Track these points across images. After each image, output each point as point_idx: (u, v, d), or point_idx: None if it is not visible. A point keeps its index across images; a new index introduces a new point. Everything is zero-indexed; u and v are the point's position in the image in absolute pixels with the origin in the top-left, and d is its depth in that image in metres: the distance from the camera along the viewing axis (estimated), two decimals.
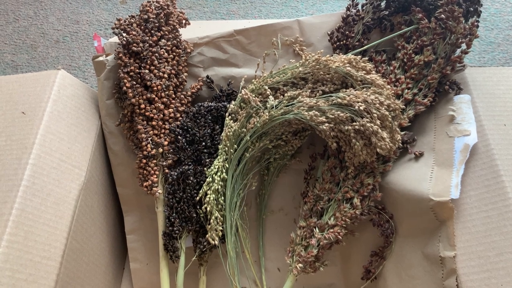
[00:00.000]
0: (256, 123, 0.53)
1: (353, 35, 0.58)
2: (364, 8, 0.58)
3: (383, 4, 0.57)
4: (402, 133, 0.53)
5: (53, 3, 1.08)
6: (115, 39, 0.61)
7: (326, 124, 0.50)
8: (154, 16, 0.58)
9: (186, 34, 0.62)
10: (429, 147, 0.53)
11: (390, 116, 0.49)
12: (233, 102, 0.57)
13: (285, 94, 0.53)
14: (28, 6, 1.08)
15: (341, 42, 0.58)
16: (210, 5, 1.09)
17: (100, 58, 0.59)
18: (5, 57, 1.00)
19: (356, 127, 0.48)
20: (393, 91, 0.53)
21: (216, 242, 0.54)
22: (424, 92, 0.54)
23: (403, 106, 0.53)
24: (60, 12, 1.06)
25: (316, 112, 0.50)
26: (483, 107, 0.52)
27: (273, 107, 0.52)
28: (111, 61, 0.59)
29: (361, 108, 0.48)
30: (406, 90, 0.55)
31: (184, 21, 0.61)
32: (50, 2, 1.08)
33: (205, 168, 0.56)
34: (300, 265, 0.52)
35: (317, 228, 0.53)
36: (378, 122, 0.48)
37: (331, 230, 0.52)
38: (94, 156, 0.58)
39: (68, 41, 1.03)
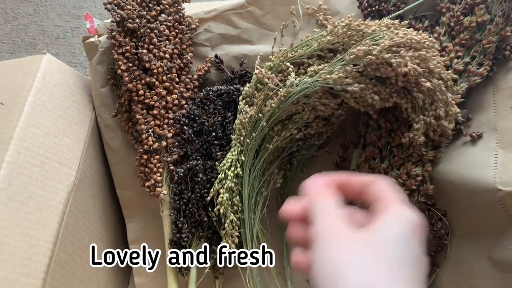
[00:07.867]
0: (272, 104, 0.44)
1: None
2: None
3: None
4: None
5: None
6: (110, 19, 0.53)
7: (356, 84, 0.41)
8: None
9: (191, 10, 0.55)
10: (489, 127, 0.44)
11: (442, 85, 0.39)
12: (247, 84, 0.50)
13: (308, 69, 0.44)
14: (28, 3, 1.02)
15: (373, 8, 0.50)
16: None
17: (92, 39, 0.52)
18: (3, 57, 0.95)
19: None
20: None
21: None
22: (479, 60, 0.46)
23: (455, 77, 0.44)
24: (61, 8, 1.01)
25: (341, 74, 0.41)
26: None
27: (293, 85, 0.43)
28: (104, 42, 0.52)
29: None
30: (456, 60, 0.46)
31: None
32: None
33: (216, 163, 0.50)
34: None
35: None
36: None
37: None
38: (87, 153, 0.50)
39: (69, 37, 0.97)
